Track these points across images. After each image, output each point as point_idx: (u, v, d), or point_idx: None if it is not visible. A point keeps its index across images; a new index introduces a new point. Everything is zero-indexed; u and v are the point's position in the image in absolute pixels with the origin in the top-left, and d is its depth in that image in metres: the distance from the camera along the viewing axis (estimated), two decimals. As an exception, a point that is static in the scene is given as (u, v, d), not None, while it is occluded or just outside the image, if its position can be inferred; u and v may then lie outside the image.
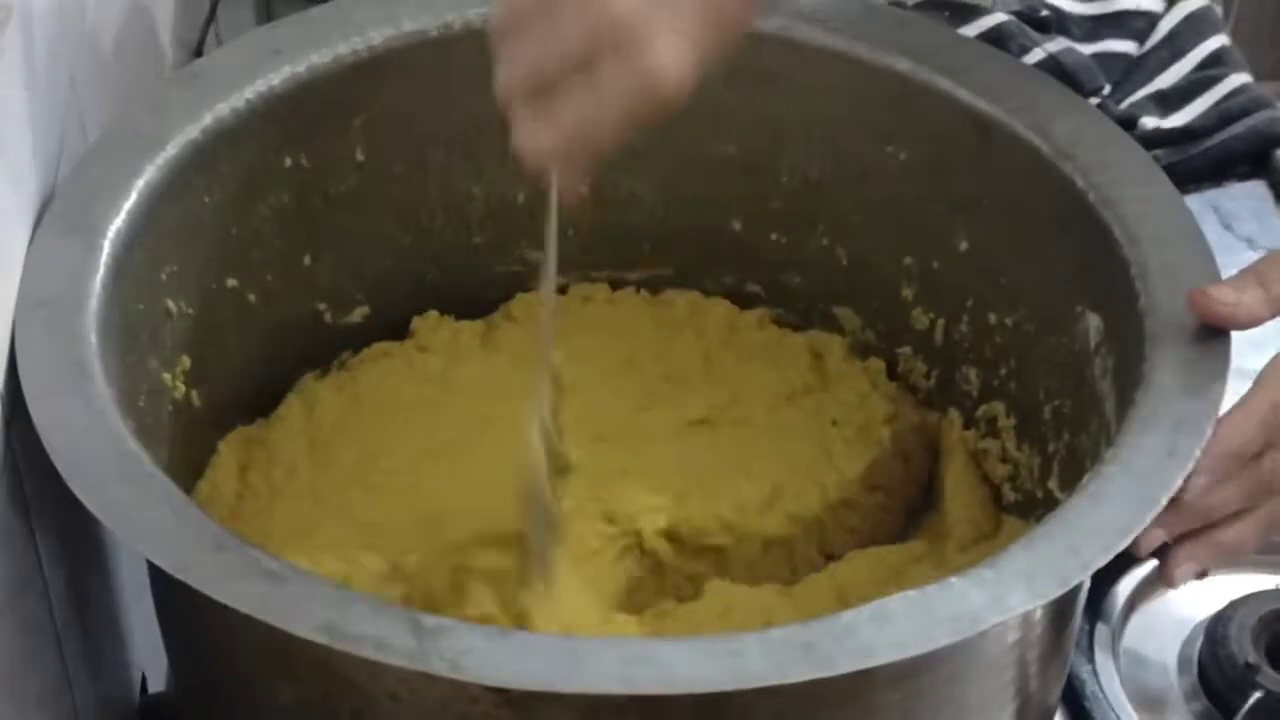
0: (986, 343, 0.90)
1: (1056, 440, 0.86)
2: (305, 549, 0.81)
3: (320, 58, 0.87)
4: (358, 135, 0.90)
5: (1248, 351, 0.98)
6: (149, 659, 0.89)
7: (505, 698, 0.63)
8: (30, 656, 0.73)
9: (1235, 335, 0.74)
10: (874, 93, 0.89)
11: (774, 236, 0.96)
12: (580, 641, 0.65)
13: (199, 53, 1.13)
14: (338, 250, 0.92)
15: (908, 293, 0.93)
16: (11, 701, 0.69)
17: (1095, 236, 0.80)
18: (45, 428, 0.68)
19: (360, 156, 0.90)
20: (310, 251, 0.91)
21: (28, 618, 0.73)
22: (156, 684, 0.89)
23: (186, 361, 0.84)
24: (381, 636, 0.62)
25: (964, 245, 0.90)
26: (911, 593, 0.64)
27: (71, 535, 0.78)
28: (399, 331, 0.95)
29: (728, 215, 0.96)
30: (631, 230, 0.98)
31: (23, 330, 0.72)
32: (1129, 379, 0.75)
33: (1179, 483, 0.68)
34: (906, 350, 0.94)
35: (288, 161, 0.88)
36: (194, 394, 0.85)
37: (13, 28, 0.71)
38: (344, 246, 0.93)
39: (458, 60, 0.90)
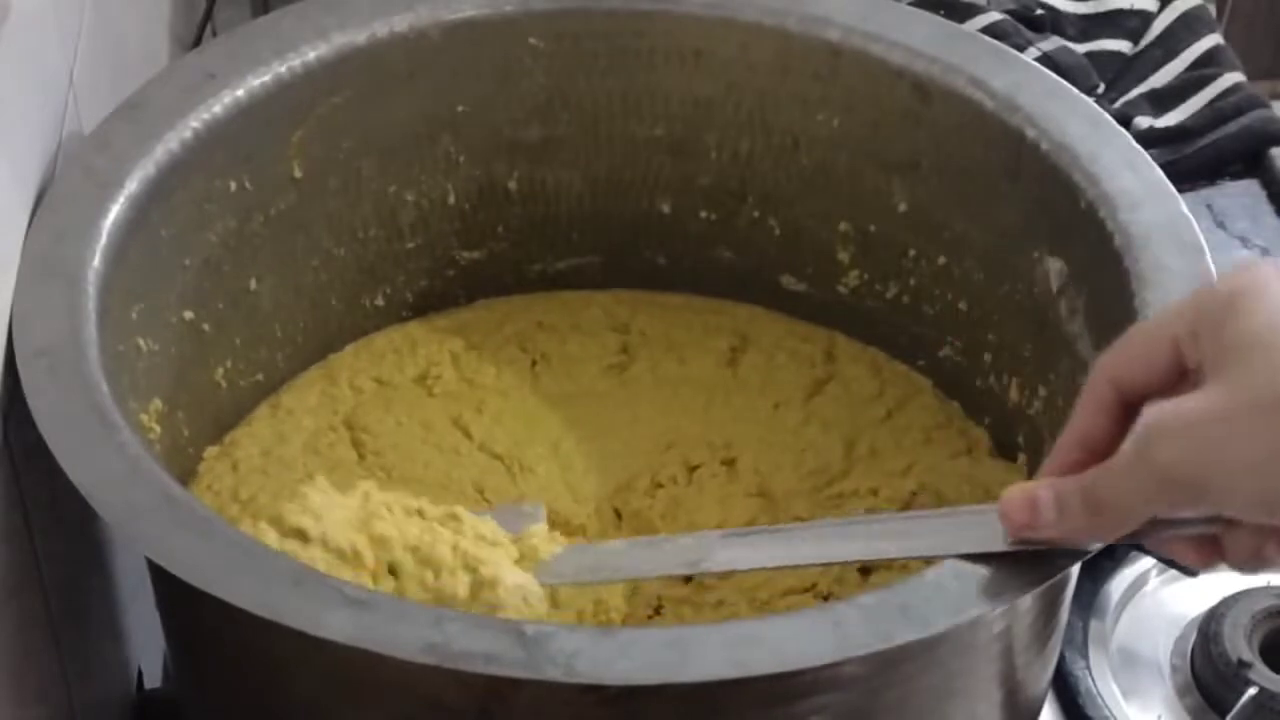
0: (933, 291, 0.93)
1: (1020, 380, 0.88)
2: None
3: (256, 78, 0.86)
4: (295, 151, 0.89)
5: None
6: (145, 655, 0.89)
7: (600, 695, 0.64)
8: (27, 653, 0.73)
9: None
10: (803, 63, 0.91)
11: (703, 214, 0.97)
12: (683, 630, 0.66)
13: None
14: (278, 271, 0.91)
15: (844, 256, 0.95)
16: (9, 698, 0.70)
17: (1052, 182, 0.83)
18: (86, 485, 0.67)
19: (298, 173, 0.89)
20: (254, 275, 0.90)
21: (25, 615, 0.73)
22: (153, 680, 0.89)
23: (158, 403, 0.82)
24: (489, 650, 0.61)
25: (902, 206, 0.92)
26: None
27: (68, 533, 0.78)
28: (343, 342, 0.96)
29: (655, 197, 0.97)
30: (558, 219, 0.98)
31: (31, 383, 0.70)
32: (1111, 316, 0.78)
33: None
34: (853, 312, 0.96)
35: (232, 185, 0.86)
36: (165, 433, 0.83)
37: (11, 24, 0.71)
38: (284, 266, 0.92)
39: (385, 68, 0.90)
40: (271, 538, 0.74)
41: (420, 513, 0.77)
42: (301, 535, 0.75)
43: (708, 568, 0.72)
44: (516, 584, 0.74)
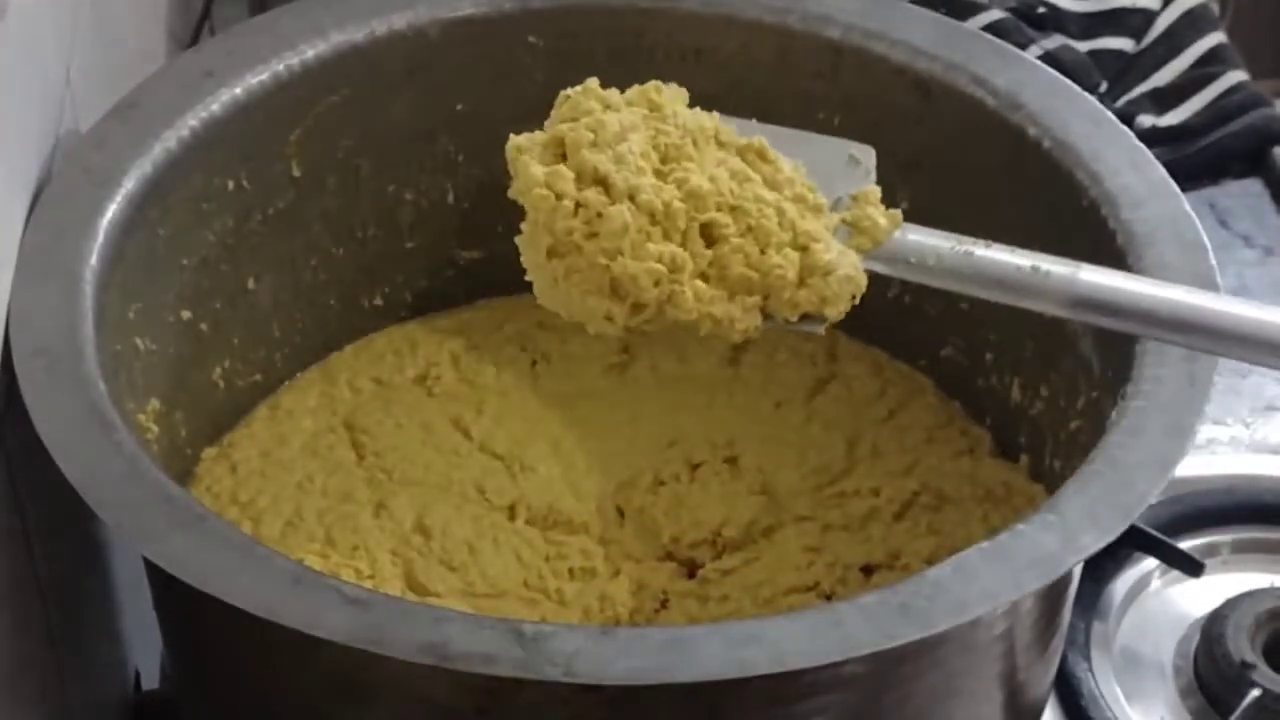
0: (935, 291, 0.92)
1: (1021, 380, 0.88)
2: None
3: (254, 76, 0.85)
4: (293, 150, 0.88)
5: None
6: (143, 656, 0.89)
7: (600, 695, 0.63)
8: (24, 654, 0.73)
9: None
10: (804, 62, 0.90)
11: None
12: (682, 630, 0.66)
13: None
14: (277, 271, 0.91)
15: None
16: (6, 699, 0.70)
17: (1054, 181, 0.83)
18: (83, 484, 0.66)
19: (296, 172, 0.89)
20: (253, 274, 0.90)
21: (22, 615, 0.73)
22: (150, 681, 0.89)
23: (156, 403, 0.82)
24: (488, 651, 0.61)
25: (904, 205, 0.91)
26: (985, 544, 0.66)
27: (65, 533, 0.78)
28: (341, 342, 0.95)
29: (654, 197, 0.97)
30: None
31: (28, 382, 0.70)
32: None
33: (1205, 409, 0.71)
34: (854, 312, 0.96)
35: (230, 184, 0.86)
36: (162, 433, 0.83)
37: (8, 22, 0.70)
38: (282, 266, 0.91)
39: (383, 67, 0.90)
40: (569, 189, 0.64)
41: (720, 142, 0.67)
42: (604, 185, 0.63)
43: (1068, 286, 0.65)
44: (849, 275, 0.66)
